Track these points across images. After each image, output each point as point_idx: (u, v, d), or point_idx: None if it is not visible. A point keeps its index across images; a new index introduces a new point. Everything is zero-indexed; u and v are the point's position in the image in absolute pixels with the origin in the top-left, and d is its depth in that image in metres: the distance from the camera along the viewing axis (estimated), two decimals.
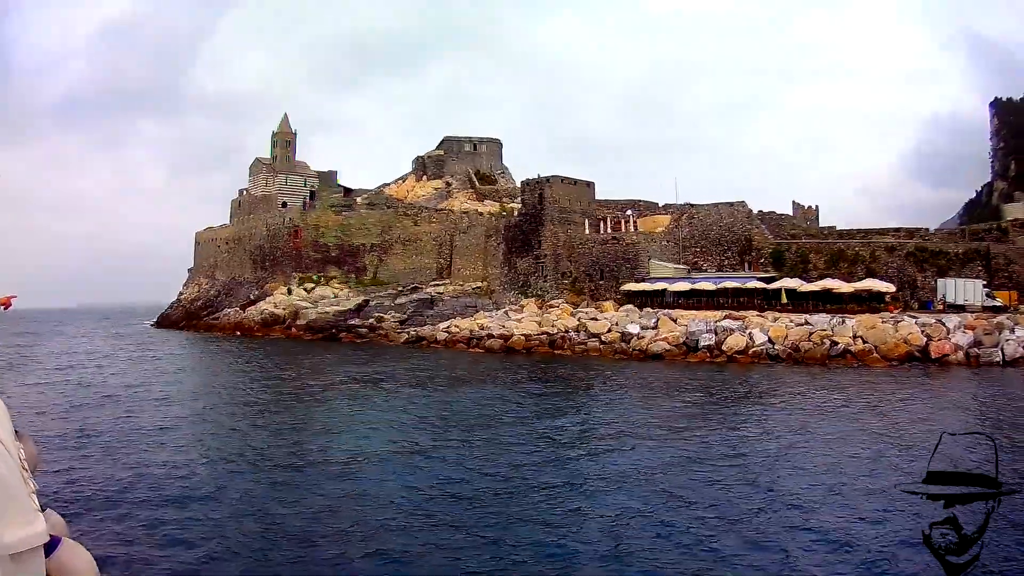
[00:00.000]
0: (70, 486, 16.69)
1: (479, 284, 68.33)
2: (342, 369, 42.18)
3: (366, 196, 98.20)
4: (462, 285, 68.97)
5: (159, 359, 50.98)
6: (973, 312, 46.93)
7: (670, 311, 51.21)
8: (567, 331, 49.82)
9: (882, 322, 42.71)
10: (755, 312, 49.00)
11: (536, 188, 64.29)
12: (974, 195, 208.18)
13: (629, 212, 70.22)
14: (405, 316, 64.46)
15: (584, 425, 24.51)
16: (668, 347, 44.04)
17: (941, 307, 50.62)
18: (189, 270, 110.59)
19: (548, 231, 62.93)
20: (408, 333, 57.52)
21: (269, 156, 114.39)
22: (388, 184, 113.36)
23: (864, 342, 40.39)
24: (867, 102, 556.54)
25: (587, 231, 64.43)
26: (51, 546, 2.02)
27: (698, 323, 45.74)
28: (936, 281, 53.24)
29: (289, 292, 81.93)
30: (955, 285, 51.65)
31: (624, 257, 60.76)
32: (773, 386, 32.84)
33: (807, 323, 43.97)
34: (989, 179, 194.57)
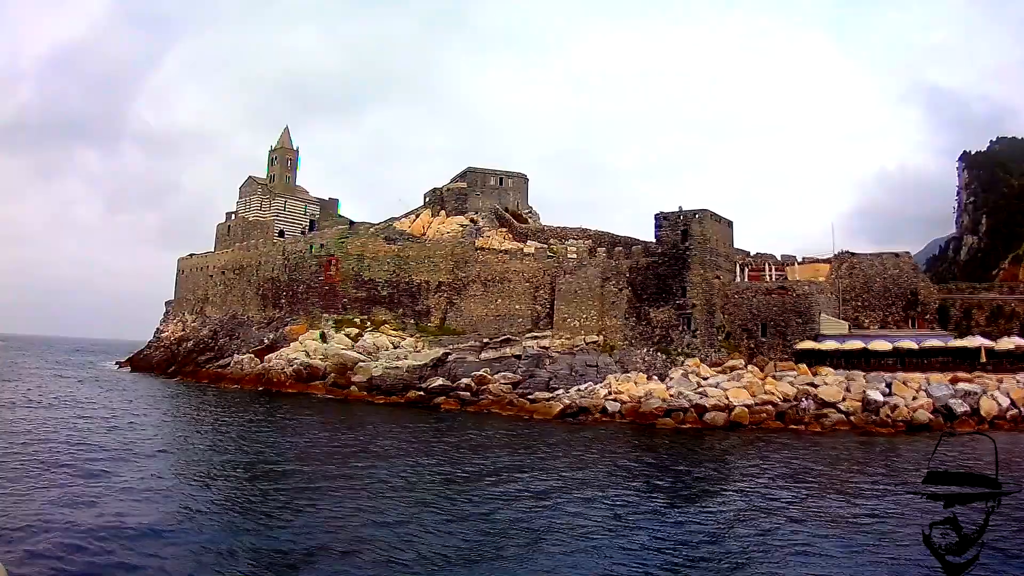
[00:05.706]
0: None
1: (594, 338, 56.60)
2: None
3: (376, 230, 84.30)
4: (571, 338, 57.04)
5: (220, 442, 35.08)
6: None
7: (894, 374, 43.99)
8: (794, 399, 39.99)
9: None
10: (966, 373, 44.41)
11: (678, 223, 53.70)
12: (937, 251, 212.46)
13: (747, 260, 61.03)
14: (518, 378, 51.97)
15: None
16: (930, 416, 38.51)
17: None
18: (168, 303, 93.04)
19: (696, 276, 52.26)
20: (561, 402, 44.99)
21: (265, 175, 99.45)
22: (397, 219, 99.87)
23: None
24: (810, 160, 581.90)
25: (737, 278, 54.34)
26: None
27: (940, 387, 41.22)
28: None
29: (323, 338, 67.27)
30: None
31: (794, 310, 50.94)
32: None
33: None
34: (953, 234, 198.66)
